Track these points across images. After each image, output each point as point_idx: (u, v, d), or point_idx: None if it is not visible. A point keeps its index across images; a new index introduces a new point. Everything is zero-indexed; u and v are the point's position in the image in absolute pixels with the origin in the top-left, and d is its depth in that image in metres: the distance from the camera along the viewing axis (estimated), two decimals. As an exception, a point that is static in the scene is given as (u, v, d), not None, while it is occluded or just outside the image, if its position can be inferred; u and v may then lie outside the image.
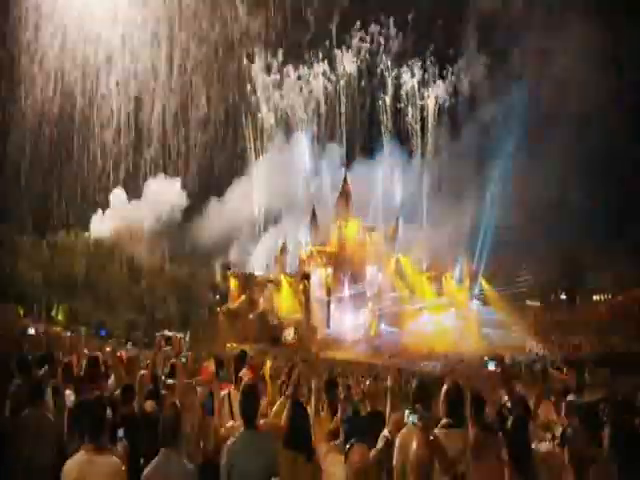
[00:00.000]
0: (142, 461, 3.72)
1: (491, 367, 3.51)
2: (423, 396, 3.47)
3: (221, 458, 4.31)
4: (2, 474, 4.06)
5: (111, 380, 5.64)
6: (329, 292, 41.00)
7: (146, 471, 3.30)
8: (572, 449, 2.76)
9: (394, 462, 3.18)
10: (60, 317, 40.34)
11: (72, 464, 3.26)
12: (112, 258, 39.50)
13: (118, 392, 4.71)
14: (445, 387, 3.50)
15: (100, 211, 41.94)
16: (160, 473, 3.23)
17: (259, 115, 46.26)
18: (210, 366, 5.08)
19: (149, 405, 4.36)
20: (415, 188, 44.64)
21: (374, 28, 45.47)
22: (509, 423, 3.11)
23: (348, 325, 40.61)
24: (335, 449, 3.47)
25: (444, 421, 3.31)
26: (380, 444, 2.98)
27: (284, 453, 4.62)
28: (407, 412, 2.90)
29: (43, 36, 35.95)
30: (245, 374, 4.98)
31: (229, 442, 3.71)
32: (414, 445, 2.77)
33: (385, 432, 3.03)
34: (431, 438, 2.78)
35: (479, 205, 39.98)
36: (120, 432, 3.88)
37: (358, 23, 45.12)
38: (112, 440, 3.77)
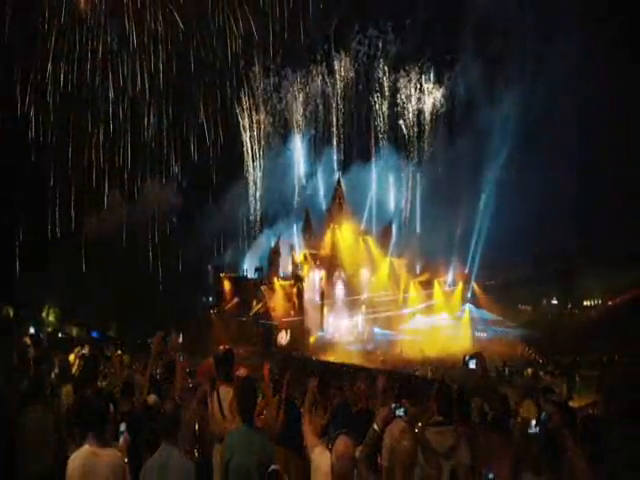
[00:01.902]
0: (143, 455, 3.85)
1: (472, 365, 3.70)
2: (409, 393, 3.72)
3: (215, 453, 4.47)
4: (8, 471, 4.17)
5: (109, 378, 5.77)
6: (322, 295, 41.11)
7: (146, 464, 3.43)
8: (545, 431, 2.95)
9: (383, 456, 3.36)
10: (51, 318, 40.19)
11: (77, 457, 3.37)
12: (106, 259, 39.40)
13: (118, 389, 4.85)
14: (436, 387, 3.76)
15: (95, 212, 41.77)
16: (160, 466, 3.36)
17: (256, 118, 46.36)
18: (210, 363, 5.21)
19: (151, 399, 4.50)
20: (410, 192, 45.01)
21: (372, 32, 45.54)
22: (489, 419, 3.31)
23: (341, 328, 40.77)
24: (322, 444, 3.63)
25: (435, 419, 3.52)
26: (368, 437, 3.14)
27: (277, 450, 4.78)
28: (394, 406, 3.08)
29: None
30: (241, 372, 5.12)
31: (226, 437, 3.84)
32: (400, 438, 2.95)
33: (374, 426, 3.19)
34: (416, 431, 2.97)
35: (473, 210, 40.30)
36: (122, 427, 4.01)
37: (356, 27, 45.17)
38: (114, 435, 3.90)
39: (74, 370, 6.57)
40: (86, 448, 3.36)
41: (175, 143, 41.39)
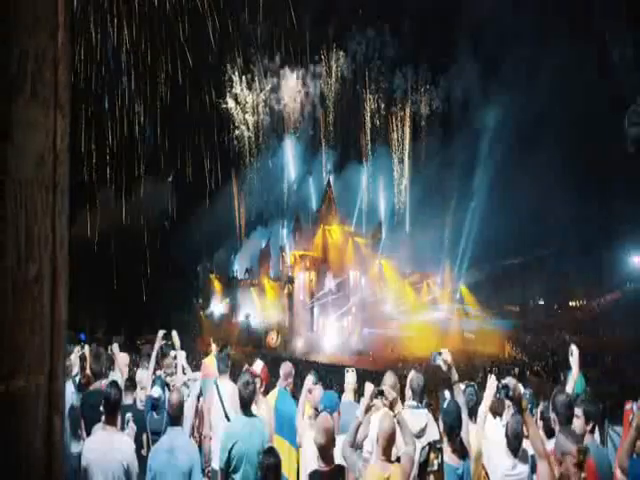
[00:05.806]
0: (149, 441, 4.20)
1: (439, 361, 4.18)
2: (389, 381, 4.23)
3: (215, 441, 4.83)
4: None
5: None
6: (312, 296, 41.36)
7: (155, 446, 3.82)
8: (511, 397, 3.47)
9: (366, 440, 3.79)
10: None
11: (93, 440, 3.73)
12: (95, 259, 39.33)
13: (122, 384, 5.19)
14: (410, 376, 4.46)
15: (86, 211, 41.65)
16: (168, 448, 3.73)
17: (251, 118, 46.51)
18: (212, 360, 5.58)
19: (155, 391, 4.87)
20: (401, 194, 45.50)
21: (370, 33, 45.73)
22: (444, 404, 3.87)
23: (331, 329, 41.03)
24: (311, 430, 4.05)
25: (410, 403, 4.17)
26: (354, 423, 3.56)
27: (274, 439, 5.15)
28: (376, 392, 3.49)
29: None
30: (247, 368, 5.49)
31: (229, 425, 4.24)
32: (381, 421, 3.36)
33: (357, 412, 3.61)
34: (395, 413, 3.40)
35: (462, 211, 40.77)
36: (128, 416, 4.35)
37: (354, 27, 45.39)
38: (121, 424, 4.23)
39: (75, 370, 6.81)
40: (101, 432, 3.71)
41: (169, 143, 41.31)
